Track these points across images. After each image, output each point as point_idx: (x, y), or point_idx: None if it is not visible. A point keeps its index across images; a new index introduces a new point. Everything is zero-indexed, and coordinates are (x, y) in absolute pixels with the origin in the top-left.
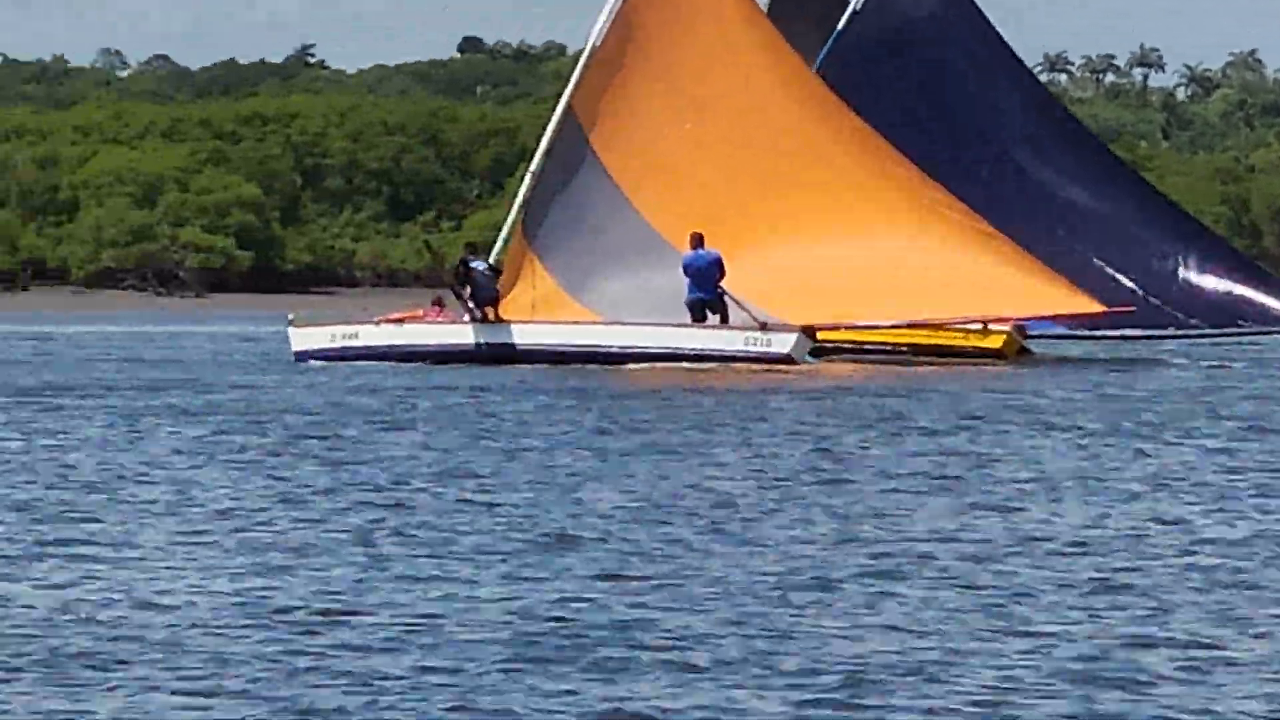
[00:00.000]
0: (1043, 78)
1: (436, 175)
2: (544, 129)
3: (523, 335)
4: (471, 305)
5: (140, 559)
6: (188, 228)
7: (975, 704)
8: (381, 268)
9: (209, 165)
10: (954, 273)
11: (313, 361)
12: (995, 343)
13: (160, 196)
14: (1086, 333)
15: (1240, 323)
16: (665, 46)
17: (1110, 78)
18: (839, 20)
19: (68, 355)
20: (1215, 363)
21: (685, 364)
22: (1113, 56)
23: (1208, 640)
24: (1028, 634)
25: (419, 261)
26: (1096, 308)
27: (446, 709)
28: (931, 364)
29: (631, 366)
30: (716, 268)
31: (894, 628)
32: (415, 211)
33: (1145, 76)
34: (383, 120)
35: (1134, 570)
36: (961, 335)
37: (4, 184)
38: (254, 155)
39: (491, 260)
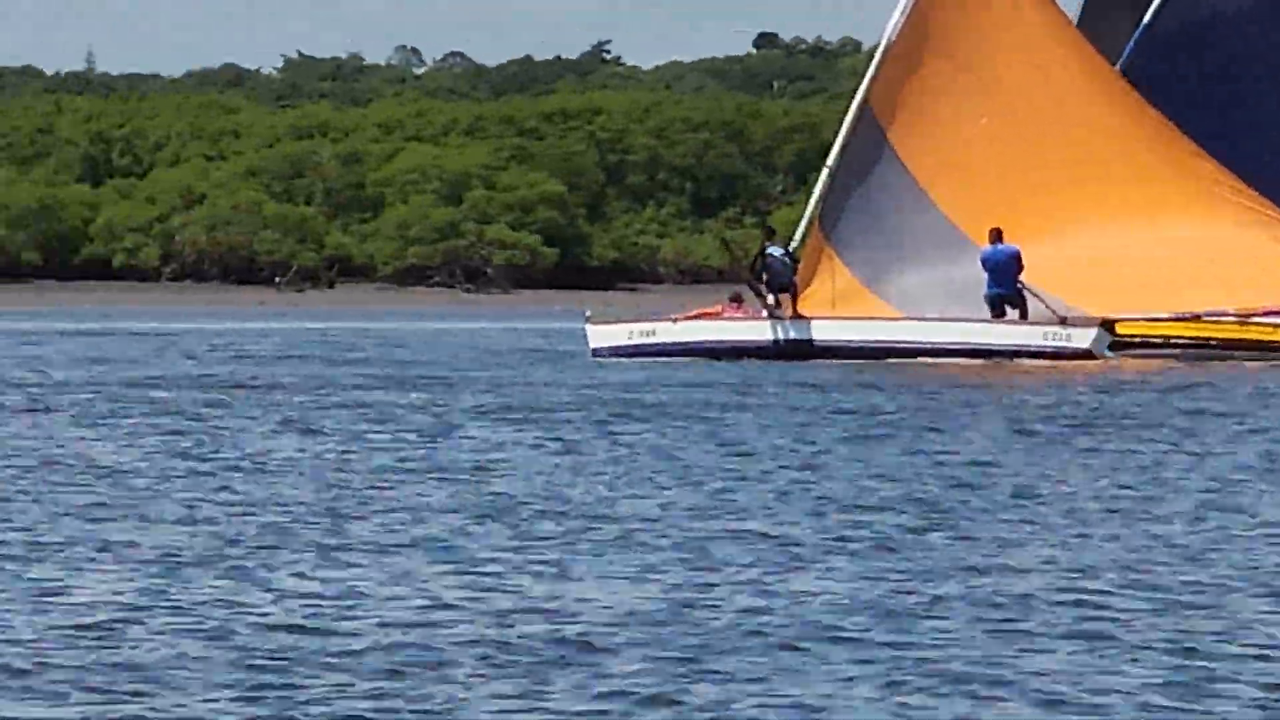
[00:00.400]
0: None
1: (740, 171)
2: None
3: (820, 331)
4: (766, 294)
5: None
6: (493, 225)
7: None
8: (685, 264)
9: (513, 162)
10: (1257, 264)
11: (610, 358)
12: None
13: (465, 194)
14: None
15: None
16: (961, 41)
17: None
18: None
19: (413, 351)
20: None
21: (984, 359)
22: None
23: None
24: None
25: (722, 258)
26: None
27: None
28: (1240, 359)
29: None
30: (1015, 262)
31: None
32: (719, 208)
33: None
34: (685, 116)
35: None
36: (1271, 328)
37: (308, 182)
38: (557, 152)
39: (790, 249)
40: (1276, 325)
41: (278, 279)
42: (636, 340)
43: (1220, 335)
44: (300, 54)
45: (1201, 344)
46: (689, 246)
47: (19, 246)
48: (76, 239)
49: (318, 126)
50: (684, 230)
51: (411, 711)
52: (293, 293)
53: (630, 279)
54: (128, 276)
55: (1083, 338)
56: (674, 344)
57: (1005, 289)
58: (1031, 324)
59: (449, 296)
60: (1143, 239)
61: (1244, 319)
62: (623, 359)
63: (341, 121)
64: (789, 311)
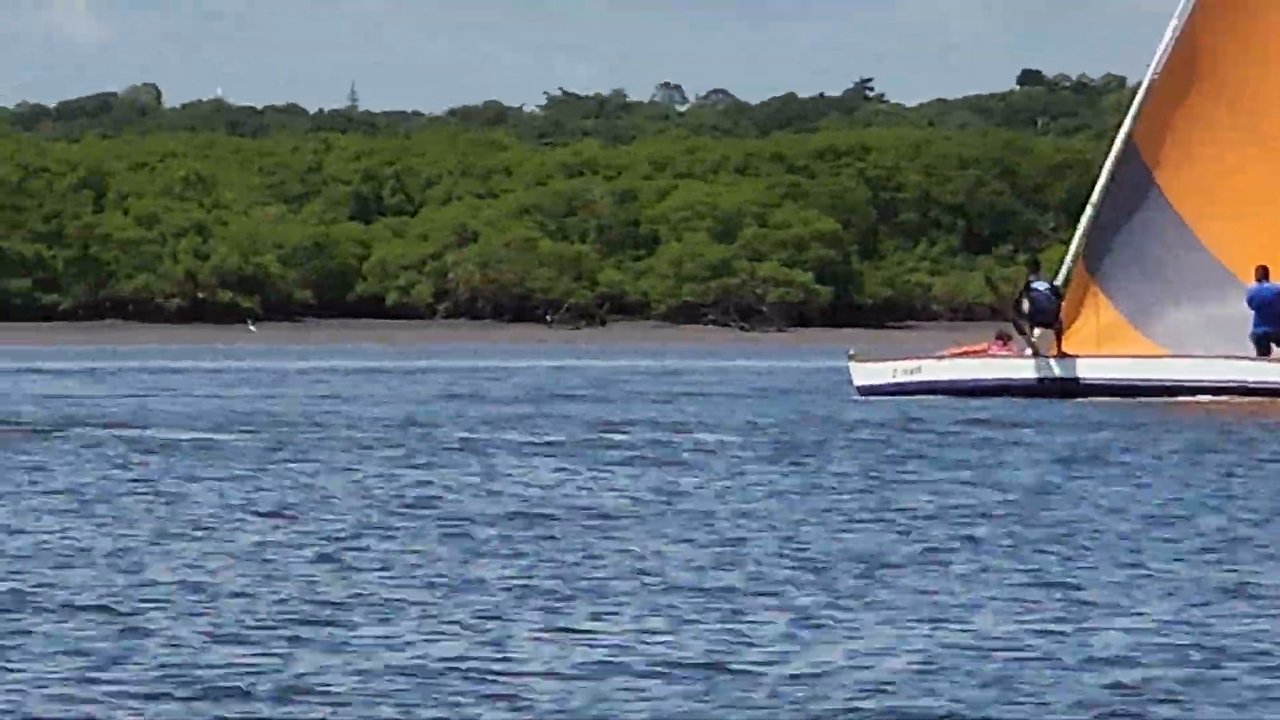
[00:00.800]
0: None
1: (1011, 208)
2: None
3: (1086, 369)
4: (1029, 329)
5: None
6: (767, 262)
7: None
8: (957, 302)
9: (786, 200)
10: None
11: (874, 396)
12: None
13: (738, 231)
14: None
15: None
16: (1226, 76)
17: None
18: None
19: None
20: None
21: (1249, 398)
22: None
23: None
24: None
25: (990, 296)
26: None
27: None
28: None
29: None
30: None
31: None
32: (991, 245)
33: None
34: (955, 153)
35: None
36: None
37: (580, 219)
38: (828, 189)
39: (1055, 283)
40: None
41: (550, 316)
42: (901, 378)
43: None
44: (563, 91)
45: None
46: (961, 284)
47: (291, 285)
48: (349, 277)
49: (586, 164)
50: (956, 268)
51: None
52: (566, 330)
53: (902, 317)
54: (401, 314)
55: None
56: (938, 382)
57: (1271, 327)
58: None
59: (724, 335)
60: None
61: None
62: (886, 396)
63: (610, 159)
64: (1053, 348)
